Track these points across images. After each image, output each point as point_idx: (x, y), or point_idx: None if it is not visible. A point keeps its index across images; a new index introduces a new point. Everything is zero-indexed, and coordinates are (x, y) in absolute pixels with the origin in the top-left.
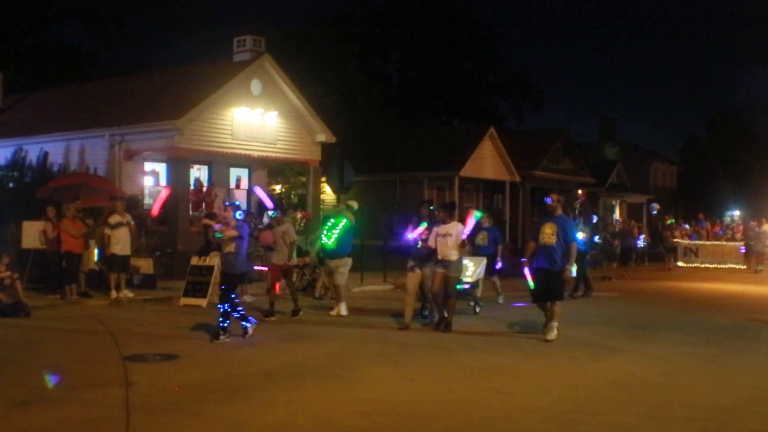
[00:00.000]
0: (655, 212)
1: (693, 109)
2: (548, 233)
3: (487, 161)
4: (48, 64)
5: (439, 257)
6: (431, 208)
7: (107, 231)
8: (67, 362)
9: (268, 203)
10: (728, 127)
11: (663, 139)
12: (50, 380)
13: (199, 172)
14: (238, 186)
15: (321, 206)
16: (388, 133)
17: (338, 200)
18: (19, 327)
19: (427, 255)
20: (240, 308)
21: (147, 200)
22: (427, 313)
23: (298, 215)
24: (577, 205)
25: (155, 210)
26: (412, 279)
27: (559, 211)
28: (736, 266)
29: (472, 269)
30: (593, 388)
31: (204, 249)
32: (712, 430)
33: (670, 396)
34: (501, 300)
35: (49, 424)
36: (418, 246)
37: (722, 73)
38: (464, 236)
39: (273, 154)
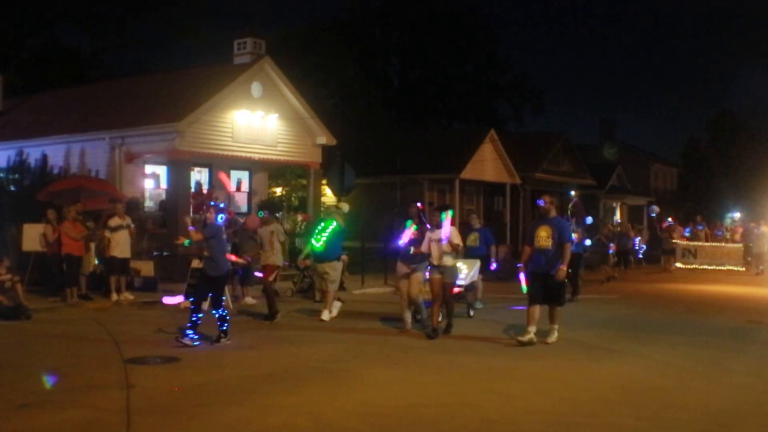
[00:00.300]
0: (654, 215)
1: (693, 111)
2: (543, 236)
3: (487, 163)
4: (48, 67)
5: (434, 263)
6: (419, 205)
7: (107, 234)
8: (67, 365)
9: (228, 188)
10: (728, 128)
11: (663, 142)
12: (50, 383)
13: (199, 175)
14: (238, 189)
15: (322, 209)
16: (388, 136)
17: (339, 202)
18: (20, 329)
19: (420, 259)
20: (201, 314)
21: (147, 203)
22: (420, 317)
23: (299, 218)
24: (570, 207)
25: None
26: (407, 285)
27: (553, 213)
28: (735, 268)
29: (465, 272)
30: (593, 391)
31: None
32: None
33: (670, 398)
34: (479, 305)
35: (50, 427)
36: (411, 252)
37: (722, 74)
38: (445, 239)
39: (273, 157)
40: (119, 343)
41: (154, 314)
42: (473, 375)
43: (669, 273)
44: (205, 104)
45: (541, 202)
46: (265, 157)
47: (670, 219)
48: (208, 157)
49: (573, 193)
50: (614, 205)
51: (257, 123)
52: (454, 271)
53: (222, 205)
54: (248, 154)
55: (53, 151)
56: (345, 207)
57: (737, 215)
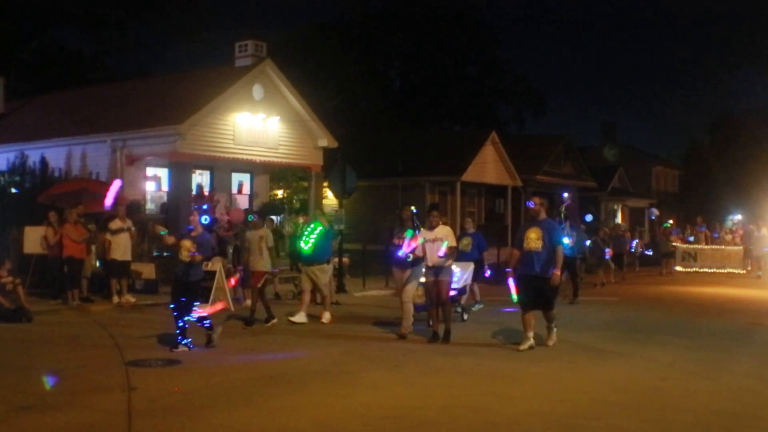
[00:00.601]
0: (654, 217)
1: (695, 114)
2: (533, 238)
3: (489, 166)
4: (50, 70)
5: (429, 264)
6: (414, 210)
7: (108, 236)
8: (68, 367)
9: (109, 201)
10: (730, 131)
11: (665, 144)
12: (52, 385)
13: (201, 178)
14: (239, 191)
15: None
16: (389, 138)
17: (340, 205)
18: (21, 332)
19: (415, 262)
20: (187, 320)
21: (149, 205)
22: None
23: (301, 220)
24: (563, 209)
25: (108, 201)
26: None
27: (543, 215)
28: (736, 270)
29: (458, 275)
30: (595, 393)
31: None
32: None
33: (672, 401)
34: (476, 308)
35: (51, 429)
36: (409, 260)
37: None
38: (439, 254)
39: (275, 159)
40: (120, 346)
41: (156, 317)
42: (474, 377)
43: (668, 276)
44: (207, 107)
45: (530, 204)
46: (267, 159)
47: (671, 222)
48: (210, 160)
49: (566, 195)
50: (615, 207)
51: (258, 125)
52: (449, 270)
53: (204, 207)
54: (249, 157)
55: (54, 154)
56: (329, 208)
57: (738, 217)
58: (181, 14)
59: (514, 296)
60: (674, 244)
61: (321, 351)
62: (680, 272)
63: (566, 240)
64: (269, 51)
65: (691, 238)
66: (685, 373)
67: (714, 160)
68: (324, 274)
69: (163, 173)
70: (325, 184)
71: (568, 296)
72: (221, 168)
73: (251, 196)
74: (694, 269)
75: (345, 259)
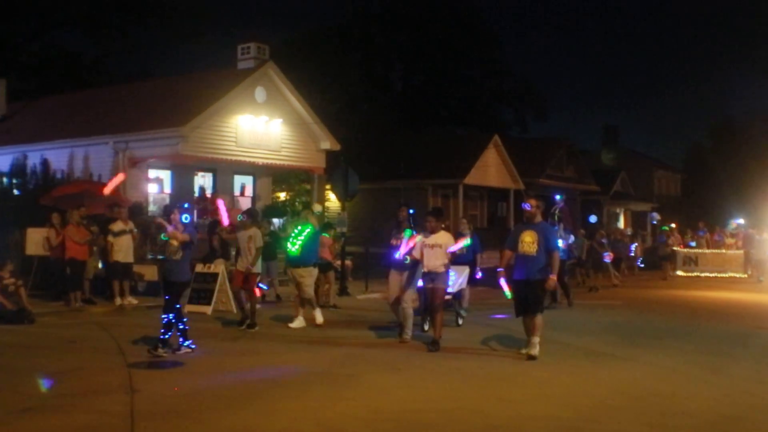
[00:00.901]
0: (655, 222)
1: (697, 117)
2: (528, 242)
3: (491, 169)
4: (51, 72)
5: (425, 269)
6: (411, 212)
7: (110, 238)
8: (71, 369)
9: (108, 190)
10: (732, 135)
11: (667, 148)
12: (49, 387)
13: (203, 180)
14: (242, 193)
15: (326, 214)
16: (392, 141)
17: (343, 207)
18: (23, 334)
19: (412, 265)
20: (185, 319)
21: (151, 207)
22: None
23: None
24: (557, 212)
25: (107, 189)
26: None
27: (539, 218)
28: (737, 275)
29: (454, 279)
30: (596, 397)
31: (209, 256)
32: None
33: (674, 405)
34: (464, 313)
35: (53, 431)
36: (407, 261)
37: (726, 81)
38: (450, 250)
39: (277, 162)
40: (122, 348)
41: (158, 319)
42: (476, 380)
43: (665, 280)
44: (209, 109)
45: (526, 206)
46: (269, 161)
47: (673, 225)
48: (212, 162)
49: (558, 197)
50: (618, 210)
51: (261, 128)
52: (446, 278)
53: (186, 206)
54: (252, 159)
55: (56, 156)
56: (318, 207)
57: (741, 221)
58: (183, 17)
59: (508, 293)
60: (674, 248)
61: (323, 354)
62: (681, 277)
63: (560, 243)
64: (272, 54)
65: (692, 243)
66: (687, 377)
67: (716, 164)
68: (310, 276)
69: (165, 175)
70: (328, 186)
71: (562, 302)
72: (224, 170)
73: (254, 199)
74: (695, 273)
75: (347, 262)
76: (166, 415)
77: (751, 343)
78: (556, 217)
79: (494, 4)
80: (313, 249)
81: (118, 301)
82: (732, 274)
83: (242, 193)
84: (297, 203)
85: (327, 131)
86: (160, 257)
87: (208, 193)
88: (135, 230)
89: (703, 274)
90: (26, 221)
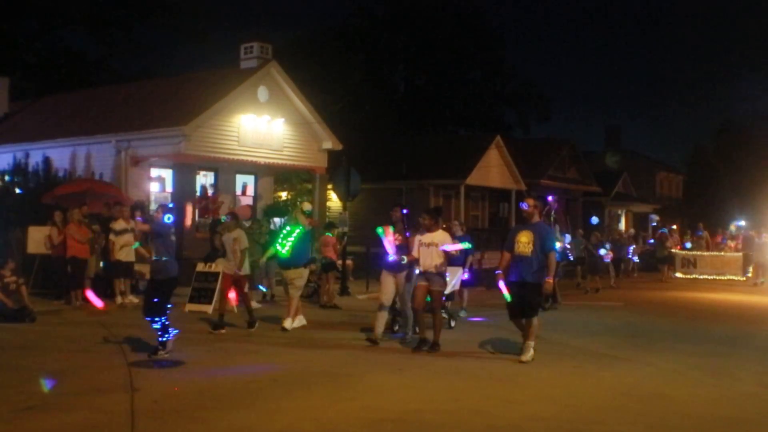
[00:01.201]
0: (655, 224)
1: (700, 119)
2: (524, 242)
3: (493, 170)
4: (54, 71)
5: (422, 269)
6: (404, 211)
7: (112, 237)
8: (72, 368)
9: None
10: (734, 137)
11: (669, 149)
12: (55, 385)
13: (205, 179)
14: (244, 193)
15: (327, 213)
16: (394, 141)
17: (344, 207)
18: (24, 332)
19: (407, 266)
20: (165, 319)
21: (153, 206)
22: (397, 328)
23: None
24: (552, 213)
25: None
26: (390, 289)
27: (536, 218)
28: (735, 277)
29: (447, 280)
30: (598, 398)
31: (210, 255)
32: None
33: (675, 407)
34: (463, 314)
35: (54, 430)
36: (404, 261)
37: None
38: (443, 248)
39: (279, 161)
40: (124, 347)
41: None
42: (477, 381)
43: (666, 282)
44: (212, 108)
45: (524, 206)
46: (271, 161)
47: (675, 226)
48: (214, 161)
49: (550, 198)
50: (620, 212)
51: (263, 127)
52: (442, 279)
53: (171, 205)
54: (254, 159)
55: (59, 154)
56: (308, 206)
57: (742, 223)
58: (186, 16)
59: (507, 296)
60: (672, 250)
61: (323, 354)
62: (679, 279)
63: (558, 244)
64: (274, 53)
65: (688, 245)
66: (688, 378)
67: (718, 166)
68: (301, 278)
69: (167, 174)
70: (330, 186)
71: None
72: (226, 170)
73: (255, 198)
74: (693, 276)
75: (348, 262)
76: (166, 414)
77: (752, 345)
78: (551, 218)
79: (498, 5)
80: (303, 250)
81: (119, 299)
82: (730, 277)
83: (244, 193)
84: (299, 203)
85: (329, 131)
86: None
87: (210, 192)
88: (137, 229)
89: (701, 276)
90: (28, 220)
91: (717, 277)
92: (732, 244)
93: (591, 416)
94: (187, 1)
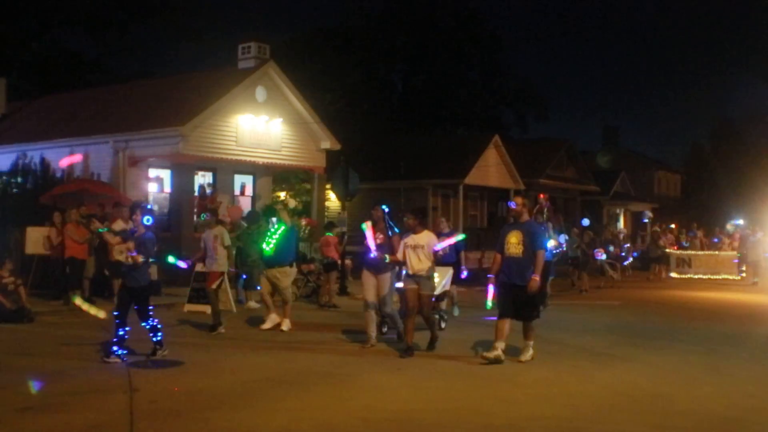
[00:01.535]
0: (646, 220)
1: (697, 119)
2: (513, 243)
3: (491, 169)
4: (51, 71)
5: (410, 272)
6: (385, 209)
7: (110, 238)
8: (70, 368)
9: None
10: (731, 136)
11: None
12: (53, 386)
13: (203, 179)
14: (242, 193)
15: (326, 213)
16: (392, 141)
17: (343, 207)
18: (23, 332)
19: (391, 267)
20: (128, 328)
21: (151, 206)
22: (386, 329)
23: (303, 222)
24: (545, 212)
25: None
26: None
27: (526, 217)
28: (730, 277)
29: (437, 281)
30: (597, 397)
31: None
32: None
33: (674, 405)
34: (457, 312)
35: (53, 430)
36: (387, 260)
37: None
38: (435, 249)
39: (278, 161)
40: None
41: (158, 318)
42: (477, 380)
43: (656, 281)
44: (210, 108)
45: (512, 204)
46: (269, 161)
47: (673, 226)
48: (212, 161)
49: (541, 197)
50: (618, 211)
51: (261, 127)
52: (431, 283)
53: (149, 207)
54: (252, 159)
55: (56, 155)
56: (291, 202)
57: (739, 222)
58: (183, 16)
59: (489, 303)
60: (666, 249)
61: (322, 354)
62: (674, 279)
63: (551, 243)
64: (272, 53)
65: (685, 243)
66: (686, 377)
67: (716, 165)
68: (286, 277)
69: (165, 174)
70: (328, 186)
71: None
72: (224, 170)
73: (254, 198)
74: (688, 275)
75: (348, 262)
76: (165, 415)
77: (751, 344)
78: (544, 217)
79: (495, 5)
80: (289, 248)
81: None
82: (725, 276)
83: (242, 193)
84: (297, 202)
85: (327, 131)
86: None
87: (208, 192)
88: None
89: (696, 276)
90: (26, 220)
91: (712, 277)
92: (727, 241)
93: (590, 415)
94: (184, 1)
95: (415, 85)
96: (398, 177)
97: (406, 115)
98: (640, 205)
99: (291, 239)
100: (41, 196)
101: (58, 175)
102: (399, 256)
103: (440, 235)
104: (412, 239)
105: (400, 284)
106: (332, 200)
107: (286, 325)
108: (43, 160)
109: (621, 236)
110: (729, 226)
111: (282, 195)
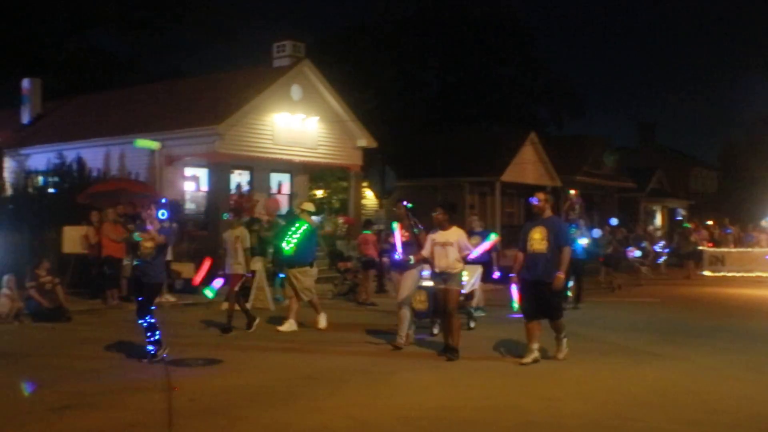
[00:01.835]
0: (680, 217)
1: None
2: (537, 239)
3: (528, 166)
4: (86, 71)
5: (437, 270)
6: (408, 206)
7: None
8: (108, 367)
9: None
10: (766, 132)
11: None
12: (91, 385)
13: (239, 178)
14: (279, 191)
15: (362, 211)
16: (428, 138)
17: (380, 205)
18: (60, 331)
19: (413, 265)
20: (155, 320)
21: (188, 205)
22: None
23: (340, 220)
24: (576, 208)
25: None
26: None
27: (548, 213)
28: (763, 274)
29: (466, 280)
30: (634, 395)
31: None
32: None
33: (711, 403)
34: (481, 313)
35: (91, 429)
36: (411, 261)
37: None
38: (469, 254)
39: (314, 159)
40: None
41: (195, 316)
42: (513, 378)
43: (689, 279)
44: (245, 107)
45: (534, 200)
46: (306, 159)
47: (710, 222)
48: (249, 160)
49: (572, 192)
50: (654, 208)
51: (297, 125)
52: (460, 279)
53: (164, 201)
54: (289, 157)
55: (92, 154)
56: (311, 207)
57: None
58: (217, 16)
59: (515, 304)
60: (699, 248)
61: (360, 352)
62: (707, 277)
63: (584, 241)
64: (306, 52)
65: (718, 240)
66: (725, 375)
67: (751, 161)
68: (306, 277)
69: (202, 173)
70: (365, 184)
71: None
72: (260, 168)
73: (291, 196)
74: (722, 273)
75: (385, 259)
76: (203, 413)
77: None
78: (576, 213)
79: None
80: (309, 248)
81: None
82: (759, 274)
83: (279, 191)
84: (334, 200)
85: (363, 129)
86: (136, 262)
87: (244, 190)
88: (174, 227)
89: (730, 274)
90: (62, 219)
91: (745, 274)
92: (764, 237)
93: (628, 413)
94: (218, 1)
95: (450, 83)
96: (435, 174)
97: (441, 113)
98: (676, 202)
99: (312, 239)
100: (78, 195)
101: (95, 174)
102: (425, 253)
103: (472, 234)
104: (440, 236)
105: (429, 283)
106: (369, 198)
107: (322, 323)
108: (79, 160)
109: (657, 233)
110: (764, 222)
111: (319, 193)
